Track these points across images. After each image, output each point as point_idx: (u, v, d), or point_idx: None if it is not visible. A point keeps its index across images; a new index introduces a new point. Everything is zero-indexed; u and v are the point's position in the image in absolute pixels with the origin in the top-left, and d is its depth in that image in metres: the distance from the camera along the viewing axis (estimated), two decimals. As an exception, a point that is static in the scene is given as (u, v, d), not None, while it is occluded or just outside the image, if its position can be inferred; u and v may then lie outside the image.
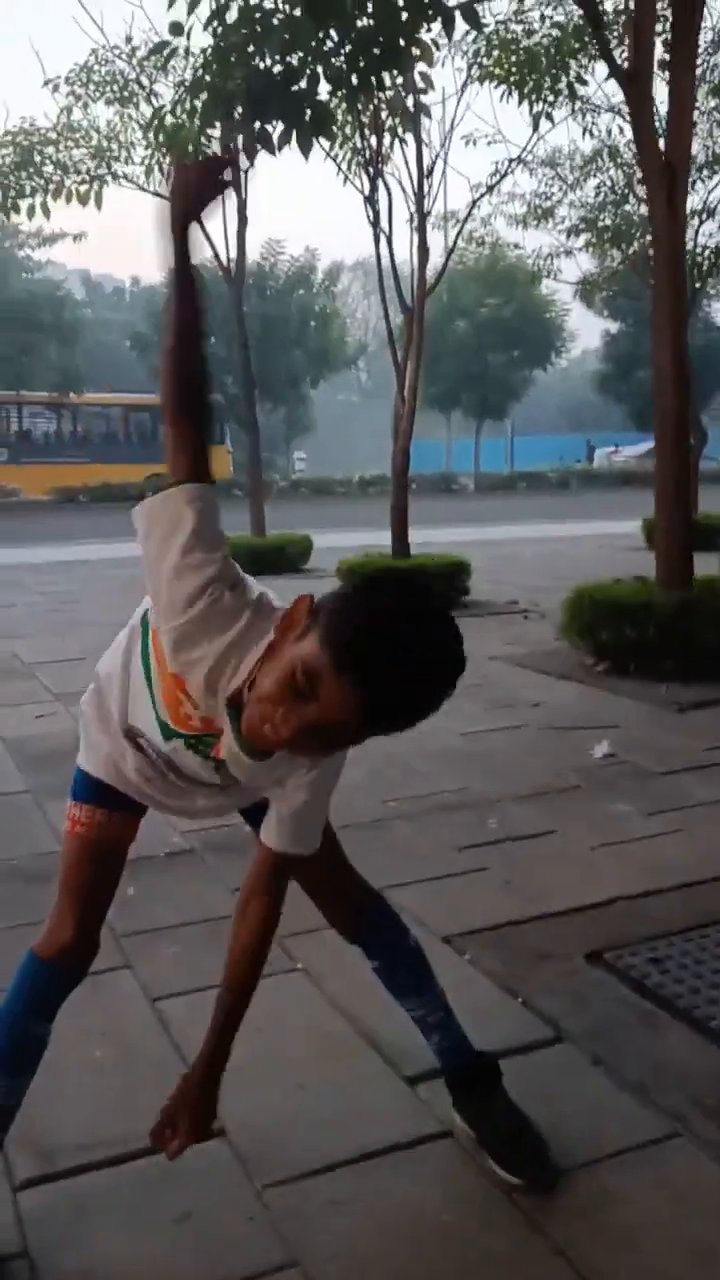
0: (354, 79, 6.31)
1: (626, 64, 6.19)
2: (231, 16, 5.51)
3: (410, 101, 8.40)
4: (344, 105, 7.71)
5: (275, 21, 5.43)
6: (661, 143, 6.03)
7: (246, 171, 12.30)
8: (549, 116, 9.94)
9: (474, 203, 11.66)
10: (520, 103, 9.55)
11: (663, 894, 3.02)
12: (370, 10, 5.50)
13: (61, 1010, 1.81)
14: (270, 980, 2.58)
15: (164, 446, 1.48)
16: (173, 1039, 2.33)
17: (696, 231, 13.25)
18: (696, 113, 10.14)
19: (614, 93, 11.97)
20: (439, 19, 5.37)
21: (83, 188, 11.80)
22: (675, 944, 2.70)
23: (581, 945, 2.71)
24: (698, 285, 14.17)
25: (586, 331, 36.90)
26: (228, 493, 27.71)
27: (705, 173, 13.25)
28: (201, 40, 6.70)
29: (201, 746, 1.56)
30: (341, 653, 1.27)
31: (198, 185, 1.56)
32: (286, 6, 5.46)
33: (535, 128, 10.05)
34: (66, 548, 15.08)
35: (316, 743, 1.36)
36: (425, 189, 9.27)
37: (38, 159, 11.62)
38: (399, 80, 7.27)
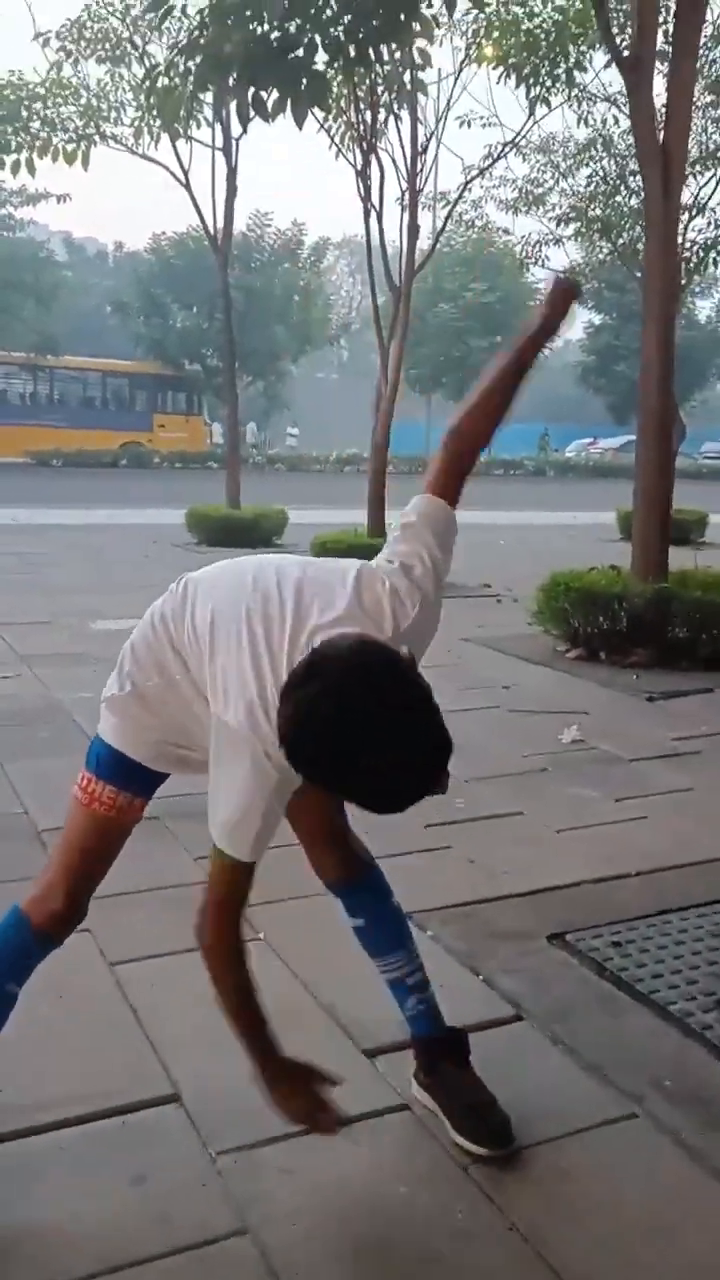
0: (352, 50, 6.25)
1: (627, 51, 6.16)
2: (230, -22, 5.44)
3: (407, 77, 8.31)
4: (340, 77, 7.61)
5: (274, -15, 5.36)
6: (660, 132, 6.00)
7: (239, 139, 12.16)
8: (546, 101, 9.90)
9: (465, 184, 11.60)
10: (518, 85, 9.50)
11: (625, 879, 3.02)
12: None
13: (17, 971, 1.79)
14: (231, 948, 2.58)
15: None
16: (130, 1002, 2.31)
17: (686, 226, 13.23)
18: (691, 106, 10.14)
19: (610, 82, 11.94)
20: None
21: (69, 146, 11.63)
22: (637, 928, 2.71)
23: (544, 926, 2.71)
24: (684, 281, 14.18)
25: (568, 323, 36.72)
26: (202, 465, 27.49)
27: (698, 168, 13.24)
28: (198, 1, 6.60)
29: None
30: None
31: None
32: (287, -30, 5.39)
33: (531, 112, 10.01)
34: (38, 511, 14.88)
35: None
36: (418, 167, 9.21)
37: (25, 114, 11.42)
38: (397, 55, 7.19)
